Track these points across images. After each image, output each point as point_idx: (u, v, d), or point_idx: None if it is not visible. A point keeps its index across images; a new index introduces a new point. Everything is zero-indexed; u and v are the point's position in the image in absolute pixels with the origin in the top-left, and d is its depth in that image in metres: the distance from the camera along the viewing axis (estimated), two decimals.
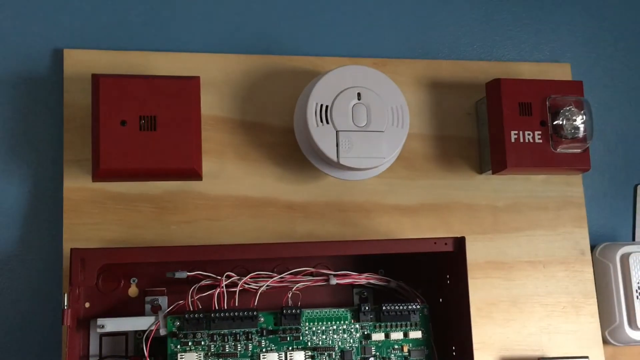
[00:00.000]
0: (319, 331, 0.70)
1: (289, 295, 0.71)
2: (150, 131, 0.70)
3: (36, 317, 0.72)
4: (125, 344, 0.69)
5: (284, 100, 0.80)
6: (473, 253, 0.80)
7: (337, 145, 0.73)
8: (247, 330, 0.67)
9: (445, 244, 0.70)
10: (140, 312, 0.70)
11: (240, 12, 0.82)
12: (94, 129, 0.69)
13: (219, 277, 0.68)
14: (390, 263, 0.76)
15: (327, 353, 0.69)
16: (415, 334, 0.72)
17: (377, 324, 0.71)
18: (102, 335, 0.68)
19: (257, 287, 0.69)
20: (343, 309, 0.71)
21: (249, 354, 0.67)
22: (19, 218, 0.73)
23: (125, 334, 0.69)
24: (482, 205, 0.84)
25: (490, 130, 0.81)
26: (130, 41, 0.78)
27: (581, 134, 0.80)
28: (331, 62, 0.82)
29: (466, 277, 0.69)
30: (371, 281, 0.73)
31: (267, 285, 0.70)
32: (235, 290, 0.68)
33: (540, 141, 0.79)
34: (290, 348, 0.68)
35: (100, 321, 0.66)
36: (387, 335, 0.71)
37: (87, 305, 0.69)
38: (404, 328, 0.72)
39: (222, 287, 0.68)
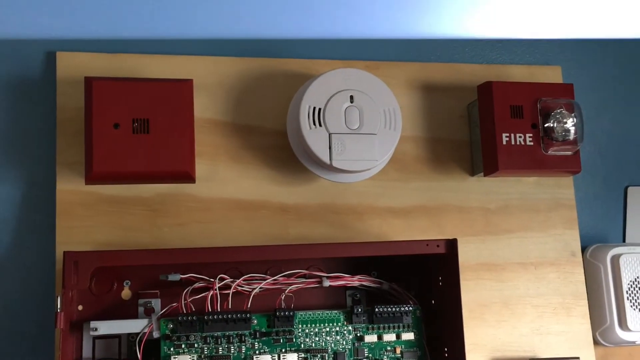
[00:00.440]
0: (312, 333, 0.70)
1: (282, 298, 0.71)
2: (144, 134, 0.70)
3: (29, 320, 0.72)
4: (119, 346, 0.69)
5: (277, 103, 0.80)
6: (465, 255, 0.81)
7: (330, 147, 0.73)
8: (240, 332, 0.67)
9: (437, 246, 0.70)
10: (134, 315, 0.70)
11: (234, 15, 0.82)
12: (86, 132, 0.69)
13: (212, 280, 0.68)
14: (382, 265, 0.76)
15: (320, 355, 0.69)
16: (408, 336, 0.72)
17: (370, 326, 0.71)
18: (95, 338, 0.68)
19: (250, 290, 0.70)
20: (336, 311, 0.71)
21: (242, 356, 0.67)
22: (12, 221, 0.73)
23: (118, 336, 0.69)
24: (474, 207, 0.84)
25: (482, 132, 0.81)
26: (123, 44, 0.78)
27: (572, 136, 0.80)
28: (324, 65, 0.82)
29: (458, 278, 0.69)
30: (364, 283, 0.74)
31: (260, 288, 0.70)
32: (229, 293, 0.68)
33: (532, 143, 0.80)
34: (283, 350, 0.69)
35: (93, 324, 0.66)
36: (379, 337, 0.71)
37: (80, 308, 0.69)
38: (396, 330, 0.72)
39: (215, 290, 0.68)
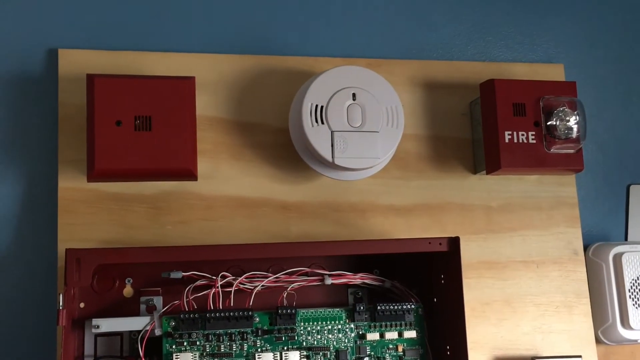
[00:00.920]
0: (314, 331, 0.70)
1: (284, 295, 0.71)
2: (146, 131, 0.70)
3: (31, 318, 0.72)
4: (120, 344, 0.69)
5: (279, 100, 0.80)
6: (467, 253, 0.81)
7: (332, 145, 0.73)
8: (242, 330, 0.67)
9: (440, 244, 0.70)
10: (136, 312, 0.70)
11: (236, 13, 0.82)
12: (89, 129, 0.69)
13: (214, 277, 0.68)
14: (384, 263, 0.76)
15: (322, 353, 0.69)
16: (410, 334, 0.72)
17: (372, 324, 0.71)
18: (97, 335, 0.68)
19: (252, 287, 0.70)
20: (338, 309, 0.71)
21: (244, 354, 0.67)
22: (14, 218, 0.73)
23: (120, 334, 0.69)
24: (476, 205, 0.84)
25: (484, 130, 0.81)
26: (125, 41, 0.78)
27: (574, 134, 0.80)
28: (326, 62, 0.82)
29: (460, 276, 0.69)
30: (366, 281, 0.74)
31: (262, 285, 0.70)
32: (231, 290, 0.68)
33: (534, 141, 0.80)
34: (285, 348, 0.69)
35: (95, 321, 0.65)
36: (381, 335, 0.71)
37: (82, 305, 0.69)
38: (398, 328, 0.72)
39: (217, 287, 0.68)
